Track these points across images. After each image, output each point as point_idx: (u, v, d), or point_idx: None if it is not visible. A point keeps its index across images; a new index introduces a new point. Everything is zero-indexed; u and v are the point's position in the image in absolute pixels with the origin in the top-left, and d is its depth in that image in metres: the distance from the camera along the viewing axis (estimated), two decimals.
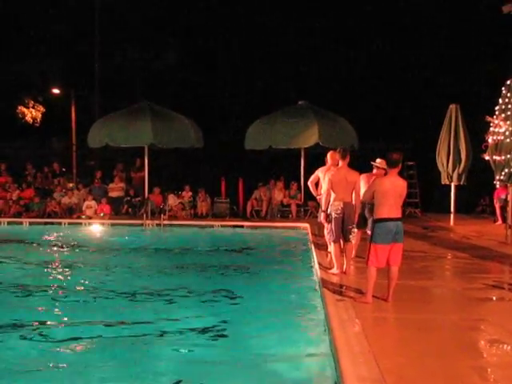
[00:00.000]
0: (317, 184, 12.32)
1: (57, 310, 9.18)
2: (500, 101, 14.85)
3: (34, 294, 10.34)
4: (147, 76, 30.37)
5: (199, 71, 30.58)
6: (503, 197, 18.15)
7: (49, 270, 12.60)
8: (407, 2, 28.03)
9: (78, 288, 10.67)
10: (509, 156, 14.38)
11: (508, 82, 14.75)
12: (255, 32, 29.98)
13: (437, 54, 27.60)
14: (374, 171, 11.18)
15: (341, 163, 10.27)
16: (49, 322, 8.40)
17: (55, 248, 15.85)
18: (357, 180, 10.16)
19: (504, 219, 17.45)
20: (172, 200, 21.51)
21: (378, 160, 11.19)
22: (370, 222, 10.77)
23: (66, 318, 8.62)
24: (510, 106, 14.53)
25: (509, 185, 14.79)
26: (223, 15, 30.20)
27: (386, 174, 10.94)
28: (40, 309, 9.20)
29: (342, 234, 10.20)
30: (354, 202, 10.14)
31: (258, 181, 22.19)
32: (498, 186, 15.78)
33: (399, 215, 8.09)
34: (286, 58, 29.62)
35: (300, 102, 22.89)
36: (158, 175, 23.67)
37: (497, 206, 19.16)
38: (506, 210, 17.66)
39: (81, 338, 7.62)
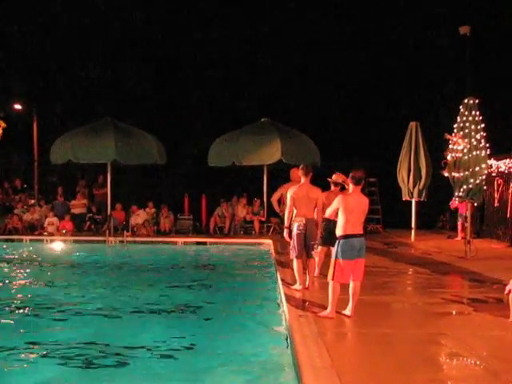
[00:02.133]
0: (280, 201, 12.45)
1: (15, 328, 9.06)
2: (458, 119, 15.17)
3: None
4: (110, 92, 30.24)
5: (162, 87, 30.57)
6: (464, 214, 18.56)
7: (7, 287, 12.45)
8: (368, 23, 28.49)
9: (37, 305, 10.54)
10: (467, 173, 14.67)
11: (465, 101, 15.08)
12: (220, 48, 30.15)
13: (398, 72, 28.02)
14: (332, 188, 11.28)
15: (303, 180, 10.35)
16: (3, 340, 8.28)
17: (16, 265, 15.65)
18: (319, 196, 10.24)
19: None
20: (142, 215, 21.33)
21: (334, 176, 11.29)
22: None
23: (23, 336, 8.51)
24: (467, 124, 14.86)
25: (467, 201, 15.07)
26: (185, 32, 30.31)
27: (342, 187, 11.15)
28: None
29: (305, 250, 10.28)
30: (316, 219, 10.24)
31: (221, 197, 22.24)
32: (456, 202, 16.05)
33: (362, 231, 8.27)
34: (250, 75, 29.80)
35: (263, 119, 23.04)
36: (121, 191, 23.56)
37: (459, 222, 19.42)
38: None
39: (36, 357, 7.54)
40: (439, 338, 7.31)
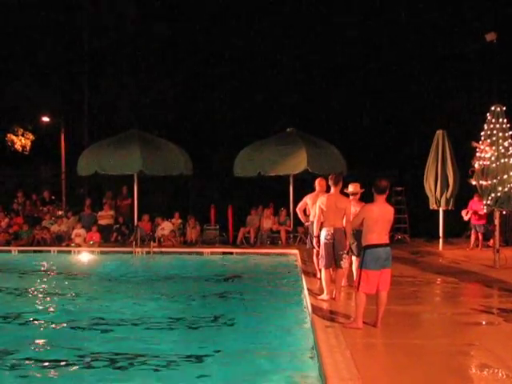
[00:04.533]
0: (305, 211, 12.39)
1: (45, 339, 9.12)
2: (485, 126, 15.00)
3: (22, 322, 10.30)
4: (136, 103, 30.47)
5: (188, 99, 30.72)
6: (479, 224, 18.64)
7: (38, 298, 12.57)
8: (395, 33, 28.38)
9: (67, 317, 10.62)
10: (495, 181, 14.50)
11: (492, 108, 14.92)
12: (245, 60, 30.24)
13: (424, 80, 27.87)
14: (351, 198, 11.11)
15: (333, 189, 10.31)
16: (36, 351, 8.35)
17: (44, 276, 15.81)
18: (347, 206, 10.16)
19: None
20: (167, 227, 21.38)
21: (350, 189, 11.09)
22: (354, 247, 10.79)
23: (55, 348, 8.57)
24: (495, 132, 14.68)
25: (495, 209, 14.87)
26: (212, 43, 30.50)
27: (360, 197, 11.07)
28: (28, 338, 9.13)
29: (334, 259, 10.19)
30: (344, 228, 10.14)
31: (249, 207, 22.20)
32: (485, 210, 15.85)
33: (388, 241, 8.20)
34: (276, 85, 29.82)
35: (288, 129, 23.01)
36: (148, 202, 23.67)
37: (473, 232, 19.23)
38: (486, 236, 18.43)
39: (67, 368, 7.58)
40: (468, 348, 7.22)
